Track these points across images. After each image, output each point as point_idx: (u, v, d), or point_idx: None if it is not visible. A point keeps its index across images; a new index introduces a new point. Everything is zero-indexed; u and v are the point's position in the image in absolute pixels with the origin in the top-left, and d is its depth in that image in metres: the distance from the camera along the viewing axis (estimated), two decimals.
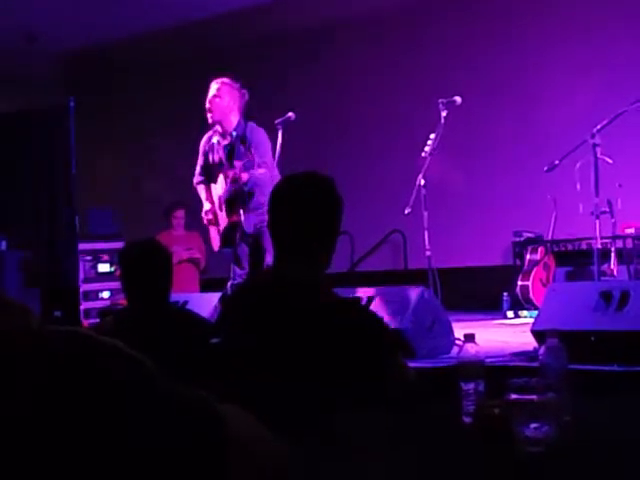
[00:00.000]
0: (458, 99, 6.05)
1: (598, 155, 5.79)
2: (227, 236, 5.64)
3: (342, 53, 9.11)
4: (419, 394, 2.32)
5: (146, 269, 3.22)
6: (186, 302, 4.94)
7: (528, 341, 4.12)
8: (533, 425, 1.83)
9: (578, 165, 6.26)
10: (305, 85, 9.18)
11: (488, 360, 2.88)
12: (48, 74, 10.62)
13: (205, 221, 5.76)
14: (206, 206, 5.76)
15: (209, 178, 5.78)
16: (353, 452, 1.83)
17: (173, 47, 9.80)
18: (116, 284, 7.22)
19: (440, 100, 6.06)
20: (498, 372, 3.29)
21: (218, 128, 5.65)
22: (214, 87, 5.61)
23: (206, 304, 4.98)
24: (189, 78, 9.60)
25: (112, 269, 7.62)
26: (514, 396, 1.87)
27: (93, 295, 7.60)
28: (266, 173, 5.34)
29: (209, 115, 5.60)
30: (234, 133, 5.57)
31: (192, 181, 5.93)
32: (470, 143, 8.20)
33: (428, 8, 8.72)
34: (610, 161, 6.04)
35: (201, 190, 5.84)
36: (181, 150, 9.54)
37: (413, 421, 2.24)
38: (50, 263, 7.01)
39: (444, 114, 5.99)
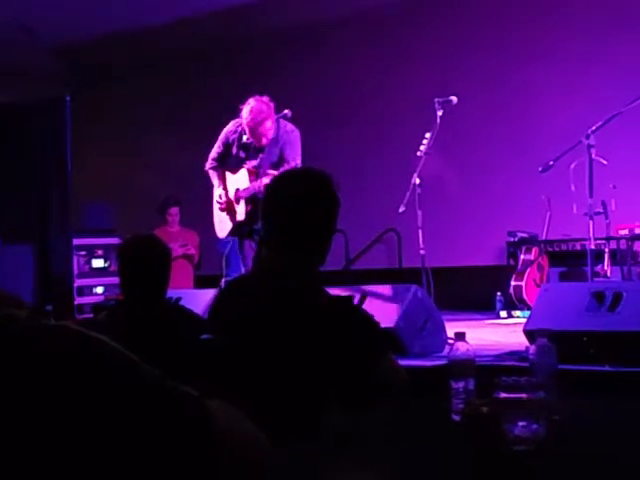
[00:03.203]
0: (454, 99, 6.06)
1: (593, 156, 5.78)
2: (238, 228, 5.69)
3: (338, 51, 9.11)
4: (410, 392, 2.33)
5: (145, 264, 3.19)
6: (180, 298, 4.93)
7: (520, 341, 4.12)
8: (521, 423, 1.84)
9: (572, 166, 6.27)
10: (300, 83, 9.17)
11: (479, 359, 2.88)
12: (45, 68, 10.59)
13: (219, 208, 5.77)
14: (219, 191, 5.77)
15: (223, 165, 5.77)
16: (342, 449, 1.84)
17: (171, 43, 9.78)
18: (110, 279, 7.22)
19: (436, 99, 6.07)
20: (489, 371, 3.29)
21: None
22: (248, 117, 5.47)
23: (200, 301, 4.97)
24: (187, 74, 9.61)
25: (106, 264, 7.61)
26: (503, 394, 1.88)
27: (87, 290, 7.59)
28: None
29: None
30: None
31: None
32: (465, 143, 8.21)
33: (424, 7, 8.72)
34: (605, 162, 6.04)
35: (213, 175, 5.83)
36: (178, 146, 9.57)
37: (403, 419, 2.24)
38: (44, 258, 7.00)
39: (440, 113, 6.00)
